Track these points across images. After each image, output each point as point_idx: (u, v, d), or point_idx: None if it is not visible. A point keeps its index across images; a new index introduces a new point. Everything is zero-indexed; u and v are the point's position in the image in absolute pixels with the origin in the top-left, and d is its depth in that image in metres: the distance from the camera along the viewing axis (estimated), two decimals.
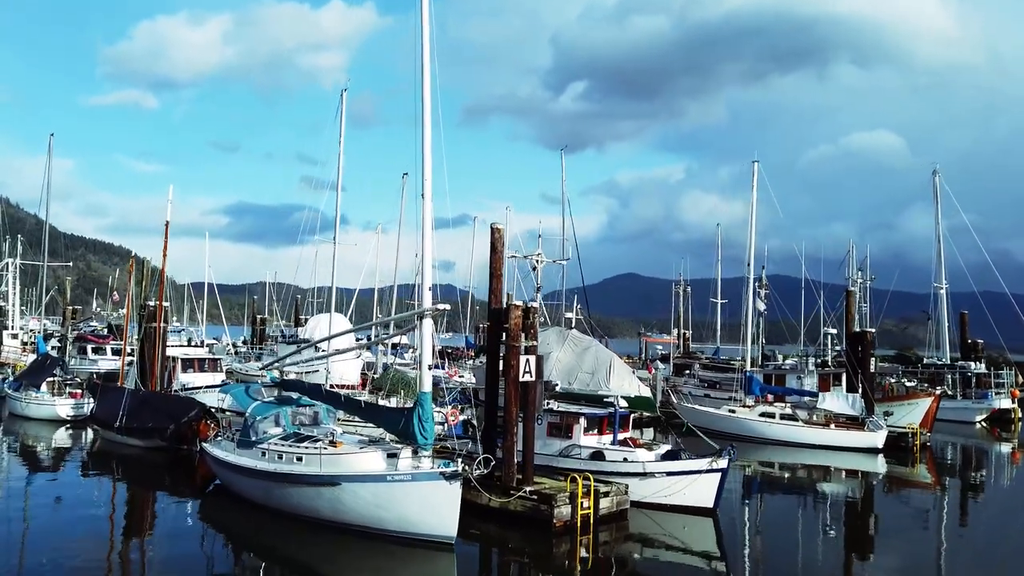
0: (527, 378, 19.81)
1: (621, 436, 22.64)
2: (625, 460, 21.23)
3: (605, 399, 22.80)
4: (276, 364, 25.97)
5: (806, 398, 37.00)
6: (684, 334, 70.45)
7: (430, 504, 16.45)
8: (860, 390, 35.66)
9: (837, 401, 35.17)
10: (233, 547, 19.29)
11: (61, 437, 33.22)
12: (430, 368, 17.66)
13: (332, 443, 18.87)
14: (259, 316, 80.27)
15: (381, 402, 29.66)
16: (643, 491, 20.54)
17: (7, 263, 67.87)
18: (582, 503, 18.40)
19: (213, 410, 27.95)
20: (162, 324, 33.54)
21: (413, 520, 16.67)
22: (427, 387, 17.64)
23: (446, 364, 53.29)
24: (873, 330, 39.40)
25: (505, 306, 19.92)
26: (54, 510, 21.84)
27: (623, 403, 22.54)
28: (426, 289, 17.78)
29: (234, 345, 71.77)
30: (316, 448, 18.84)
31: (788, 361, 48.06)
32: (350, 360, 55.29)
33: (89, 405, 33.83)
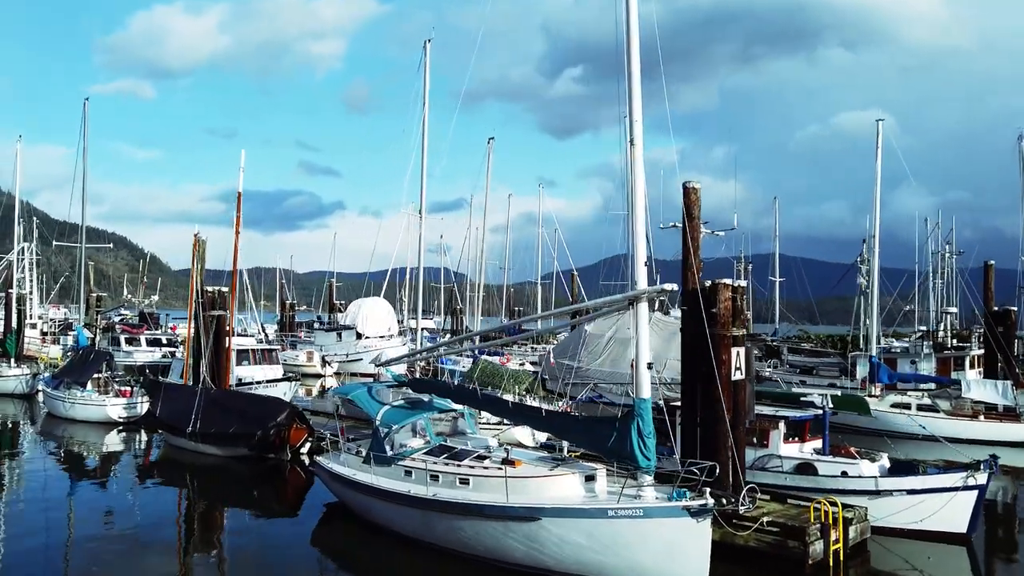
0: (738, 375, 15.81)
1: (813, 444, 18.69)
2: (844, 475, 17.23)
3: (802, 399, 18.78)
4: (399, 360, 21.77)
5: (945, 386, 32.93)
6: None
7: (671, 548, 12.47)
8: (1005, 375, 31.72)
9: (984, 389, 31.14)
10: None
11: (113, 441, 29.25)
12: (649, 367, 13.52)
13: (507, 461, 14.84)
14: (287, 302, 76.16)
15: None
16: (873, 513, 16.56)
17: (23, 247, 63.50)
18: (832, 535, 14.44)
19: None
20: (219, 312, 29.35)
21: (647, 569, 12.70)
22: (645, 392, 13.56)
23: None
24: (1015, 308, 35.29)
25: (710, 285, 15.83)
26: (115, 527, 18.36)
27: (829, 403, 18.49)
28: (640, 264, 13.65)
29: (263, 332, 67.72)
30: (486, 468, 14.85)
31: (897, 343, 44.03)
32: (397, 347, 51.48)
33: (143, 405, 29.83)
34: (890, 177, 36.77)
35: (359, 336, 57.18)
